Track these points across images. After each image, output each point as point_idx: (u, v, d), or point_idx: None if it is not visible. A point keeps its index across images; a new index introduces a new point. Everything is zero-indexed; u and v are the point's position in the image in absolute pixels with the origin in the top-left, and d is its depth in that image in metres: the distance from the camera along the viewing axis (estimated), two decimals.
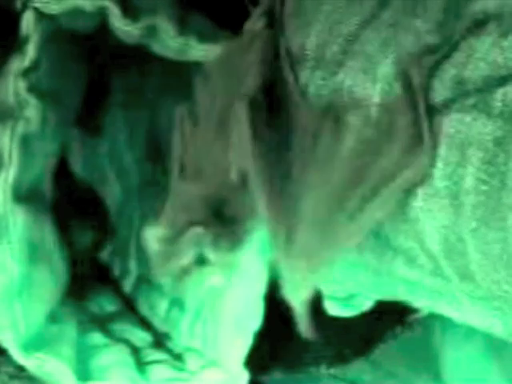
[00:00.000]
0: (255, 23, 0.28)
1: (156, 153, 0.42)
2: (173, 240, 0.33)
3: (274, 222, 0.27)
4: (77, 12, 0.33)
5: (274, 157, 0.27)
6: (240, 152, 0.28)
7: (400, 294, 0.28)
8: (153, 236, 0.34)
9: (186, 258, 0.34)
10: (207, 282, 0.35)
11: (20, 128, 0.34)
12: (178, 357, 0.37)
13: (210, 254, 0.34)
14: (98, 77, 0.42)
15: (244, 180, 0.28)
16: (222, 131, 0.29)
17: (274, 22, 0.28)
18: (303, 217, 0.26)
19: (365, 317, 0.33)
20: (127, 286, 0.42)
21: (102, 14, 0.33)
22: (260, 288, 0.34)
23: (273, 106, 0.27)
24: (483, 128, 0.21)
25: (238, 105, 0.27)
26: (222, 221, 0.32)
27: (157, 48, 0.35)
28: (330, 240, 0.25)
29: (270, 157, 0.27)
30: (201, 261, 0.35)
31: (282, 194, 0.27)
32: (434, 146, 0.22)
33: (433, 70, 0.23)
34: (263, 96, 0.27)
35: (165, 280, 0.38)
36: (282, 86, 0.27)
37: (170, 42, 0.34)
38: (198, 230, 0.33)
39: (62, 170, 0.41)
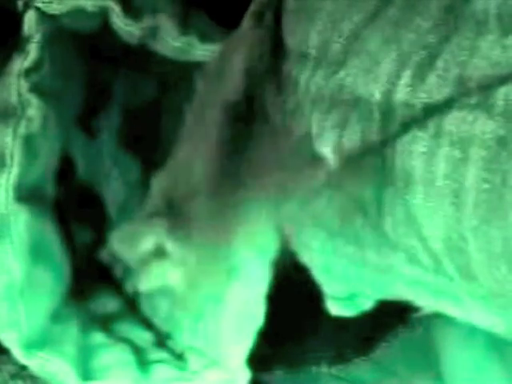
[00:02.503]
0: (246, 23, 0.29)
1: (157, 152, 0.43)
2: (135, 228, 0.34)
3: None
4: (79, 12, 0.33)
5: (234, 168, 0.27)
6: (205, 157, 0.28)
7: (401, 292, 0.28)
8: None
9: (146, 244, 0.35)
10: (166, 278, 0.36)
11: (22, 128, 0.34)
12: (179, 356, 0.37)
13: (168, 245, 0.34)
14: (99, 76, 0.42)
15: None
16: (199, 132, 0.30)
17: (270, 19, 0.28)
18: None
19: (366, 316, 0.33)
20: (129, 285, 0.42)
21: (103, 14, 0.34)
22: (262, 288, 0.34)
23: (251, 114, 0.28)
24: (485, 127, 0.21)
25: (214, 110, 0.28)
26: (178, 216, 0.33)
27: (158, 48, 0.35)
28: None
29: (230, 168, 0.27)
30: (159, 253, 0.35)
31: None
32: None
33: (432, 68, 0.23)
34: (244, 103, 0.28)
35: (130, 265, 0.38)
36: (263, 95, 0.28)
37: (172, 41, 0.34)
38: (158, 218, 0.33)
39: (62, 170, 0.41)
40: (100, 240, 0.44)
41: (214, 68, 0.31)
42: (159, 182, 0.35)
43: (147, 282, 0.37)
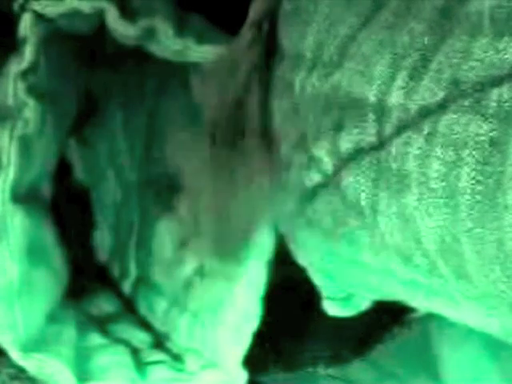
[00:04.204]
0: (247, 32, 0.29)
1: (155, 153, 0.43)
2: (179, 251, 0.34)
3: None
4: (75, 14, 0.33)
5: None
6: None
7: (397, 293, 0.28)
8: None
9: (188, 268, 0.35)
10: (211, 293, 0.36)
11: (19, 129, 0.34)
12: (177, 357, 0.37)
13: (212, 264, 0.34)
14: (96, 78, 0.42)
15: None
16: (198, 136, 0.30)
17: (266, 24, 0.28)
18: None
19: (363, 317, 0.33)
20: (126, 286, 0.43)
21: (99, 16, 0.34)
22: (258, 289, 0.34)
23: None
24: (478, 129, 0.21)
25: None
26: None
27: (155, 49, 0.35)
28: None
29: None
30: (203, 273, 0.35)
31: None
32: None
33: (426, 70, 0.23)
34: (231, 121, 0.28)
35: (170, 292, 0.38)
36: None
37: (169, 43, 0.34)
38: (201, 239, 0.33)
39: (60, 171, 0.42)
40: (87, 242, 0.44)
41: (216, 76, 0.31)
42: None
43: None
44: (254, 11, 0.29)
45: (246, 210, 0.31)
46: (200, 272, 0.36)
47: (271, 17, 0.28)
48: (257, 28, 0.29)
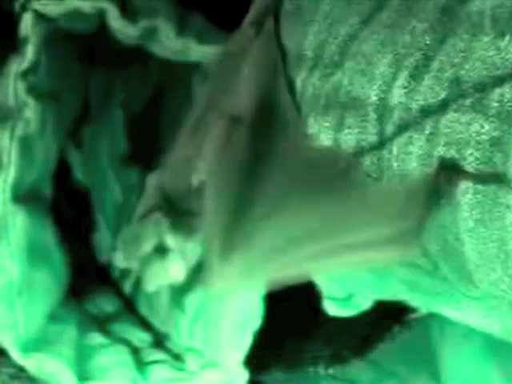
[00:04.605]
0: (246, 31, 0.29)
1: (156, 153, 0.42)
2: (136, 225, 0.35)
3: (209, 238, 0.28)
4: (76, 13, 0.33)
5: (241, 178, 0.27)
6: (205, 164, 0.29)
7: (399, 293, 0.28)
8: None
9: (148, 243, 0.35)
10: (168, 272, 0.36)
11: (19, 129, 0.34)
12: (177, 357, 0.37)
13: (169, 240, 0.34)
14: (96, 78, 0.42)
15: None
16: (200, 137, 0.30)
17: (270, 24, 0.28)
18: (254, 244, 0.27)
19: (363, 317, 0.33)
20: (127, 286, 0.42)
21: (100, 16, 0.34)
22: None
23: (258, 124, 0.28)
24: (480, 128, 0.21)
25: (215, 121, 0.28)
26: (177, 212, 0.33)
27: (156, 49, 0.35)
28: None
29: (233, 177, 0.27)
30: (161, 250, 0.35)
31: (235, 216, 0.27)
32: None
33: (427, 70, 0.23)
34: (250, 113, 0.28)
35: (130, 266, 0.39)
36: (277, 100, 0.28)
37: (170, 43, 0.34)
38: (157, 215, 0.33)
39: (59, 171, 0.41)
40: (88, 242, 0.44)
41: (218, 75, 0.31)
42: (156, 179, 0.36)
43: (152, 280, 0.37)
44: (255, 10, 0.29)
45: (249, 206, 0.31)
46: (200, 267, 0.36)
47: (274, 16, 0.28)
48: (258, 27, 0.29)
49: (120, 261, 0.39)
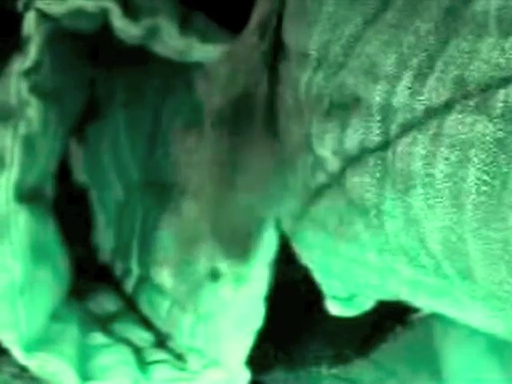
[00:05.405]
0: (251, 33, 0.29)
1: (158, 152, 0.43)
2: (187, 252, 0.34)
3: None
4: (78, 13, 0.33)
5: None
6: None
7: (401, 293, 0.28)
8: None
9: (201, 269, 0.35)
10: (219, 294, 0.36)
11: (22, 128, 0.34)
12: (179, 356, 0.37)
13: (222, 265, 0.34)
14: (99, 77, 0.42)
15: None
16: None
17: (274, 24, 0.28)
18: None
19: (366, 317, 0.33)
20: (129, 285, 0.43)
21: (103, 15, 0.34)
22: (262, 288, 0.34)
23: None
24: (484, 129, 0.21)
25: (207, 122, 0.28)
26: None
27: (159, 48, 0.35)
28: None
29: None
30: (214, 274, 0.35)
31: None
32: None
33: (431, 70, 0.23)
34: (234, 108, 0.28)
35: (179, 292, 0.38)
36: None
37: (172, 42, 0.34)
38: (210, 242, 0.33)
39: (60, 171, 0.42)
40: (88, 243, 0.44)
41: (218, 77, 0.31)
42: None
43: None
44: (258, 11, 0.29)
45: (249, 210, 0.31)
46: (212, 273, 0.36)
47: (278, 15, 0.28)
48: (262, 27, 0.29)
49: None
